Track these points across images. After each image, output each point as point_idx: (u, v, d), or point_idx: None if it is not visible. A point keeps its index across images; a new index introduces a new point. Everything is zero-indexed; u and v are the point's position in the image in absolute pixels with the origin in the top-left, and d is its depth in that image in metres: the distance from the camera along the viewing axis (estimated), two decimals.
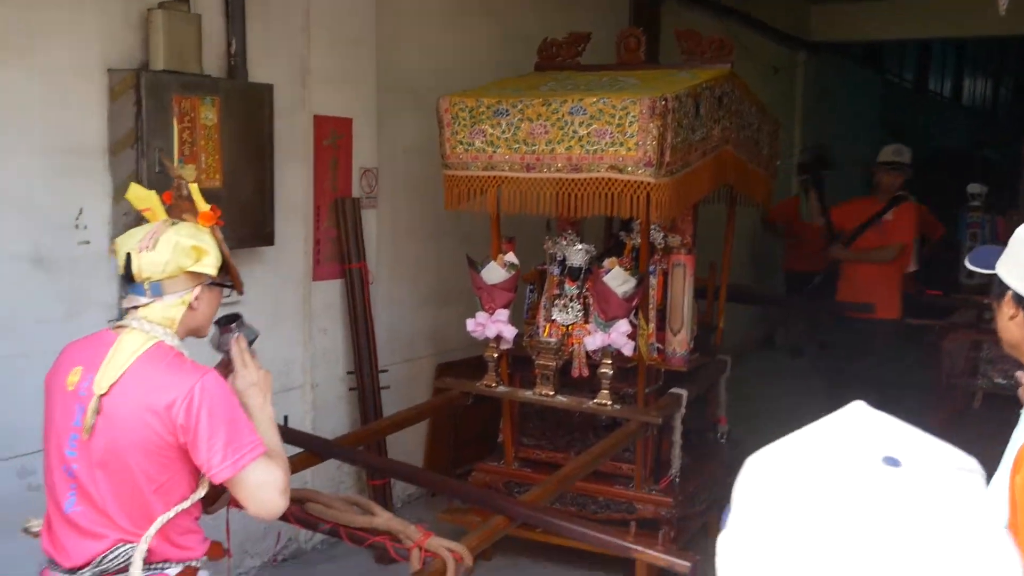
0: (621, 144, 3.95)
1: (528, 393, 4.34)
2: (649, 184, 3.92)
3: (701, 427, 5.24)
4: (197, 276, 2.31)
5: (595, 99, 4.00)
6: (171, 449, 2.17)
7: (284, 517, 2.94)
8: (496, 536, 3.05)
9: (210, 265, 2.32)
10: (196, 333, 2.41)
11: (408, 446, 5.69)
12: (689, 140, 4.14)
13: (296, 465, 3.41)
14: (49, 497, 2.30)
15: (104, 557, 2.19)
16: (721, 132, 4.51)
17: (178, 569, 2.25)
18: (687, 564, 2.77)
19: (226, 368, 2.47)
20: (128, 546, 2.18)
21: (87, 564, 2.19)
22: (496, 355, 4.37)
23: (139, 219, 3.84)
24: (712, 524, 5.15)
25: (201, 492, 2.28)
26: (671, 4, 8.18)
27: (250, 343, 2.48)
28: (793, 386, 8.12)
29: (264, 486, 2.21)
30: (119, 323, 2.33)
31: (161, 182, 3.83)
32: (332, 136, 4.85)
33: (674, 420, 4.47)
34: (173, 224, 2.35)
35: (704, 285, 5.40)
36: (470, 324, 4.32)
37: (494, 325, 4.25)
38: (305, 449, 3.45)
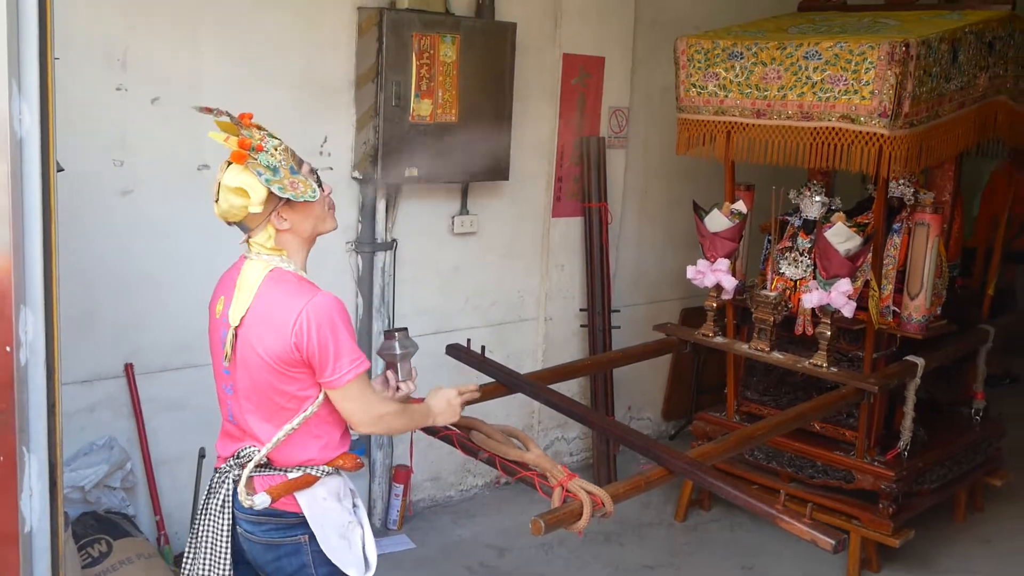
0: (855, 92, 3.68)
1: (744, 347, 4.22)
2: (882, 136, 3.64)
3: (953, 401, 4.84)
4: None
5: (832, 43, 3.75)
6: (294, 364, 2.32)
7: (451, 443, 3.14)
8: (649, 487, 3.03)
9: (257, 203, 2.32)
10: (318, 234, 2.48)
11: (650, 387, 5.73)
12: (940, 89, 3.77)
13: (489, 392, 3.58)
14: (219, 406, 2.57)
15: (239, 453, 2.45)
16: (990, 81, 4.06)
17: (297, 474, 2.41)
18: (831, 542, 2.63)
19: (390, 373, 2.76)
20: (252, 448, 2.42)
21: (230, 457, 2.48)
22: (715, 305, 4.29)
23: (375, 147, 4.15)
24: (949, 505, 4.78)
25: (318, 404, 2.39)
26: None
27: (408, 356, 2.74)
28: None
29: (355, 410, 2.40)
30: (245, 254, 2.46)
31: (396, 115, 4.10)
32: (581, 75, 4.89)
33: (907, 390, 4.17)
34: (226, 169, 2.36)
35: (974, 247, 4.94)
36: (690, 271, 4.26)
37: (713, 274, 4.16)
38: (496, 380, 3.61)
